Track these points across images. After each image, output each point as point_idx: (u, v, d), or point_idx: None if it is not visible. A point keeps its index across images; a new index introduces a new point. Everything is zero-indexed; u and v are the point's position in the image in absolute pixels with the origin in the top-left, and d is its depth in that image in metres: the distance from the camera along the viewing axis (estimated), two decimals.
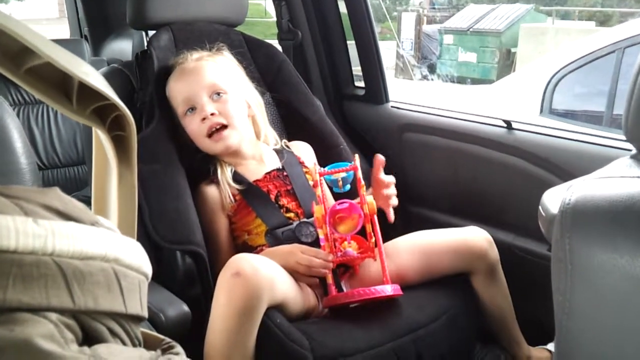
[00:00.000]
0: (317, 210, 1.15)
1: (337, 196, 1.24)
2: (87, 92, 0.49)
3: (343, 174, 1.21)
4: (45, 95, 0.48)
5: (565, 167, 1.27)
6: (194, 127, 1.28)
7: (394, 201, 1.25)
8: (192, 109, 1.28)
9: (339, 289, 1.17)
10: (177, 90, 1.30)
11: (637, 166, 0.60)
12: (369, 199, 1.17)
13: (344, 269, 1.23)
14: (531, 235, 1.34)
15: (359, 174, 1.19)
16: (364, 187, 1.18)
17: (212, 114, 1.26)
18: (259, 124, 1.38)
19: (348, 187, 1.21)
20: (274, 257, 1.13)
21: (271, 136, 1.41)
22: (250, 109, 1.35)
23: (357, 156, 1.23)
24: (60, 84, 0.49)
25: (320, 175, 1.21)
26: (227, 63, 1.35)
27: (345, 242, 1.18)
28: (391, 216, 1.24)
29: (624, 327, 0.55)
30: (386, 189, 1.24)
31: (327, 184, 1.25)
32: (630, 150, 0.64)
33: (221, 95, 1.29)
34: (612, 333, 0.56)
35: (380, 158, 1.26)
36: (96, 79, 0.48)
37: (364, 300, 1.11)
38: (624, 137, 0.63)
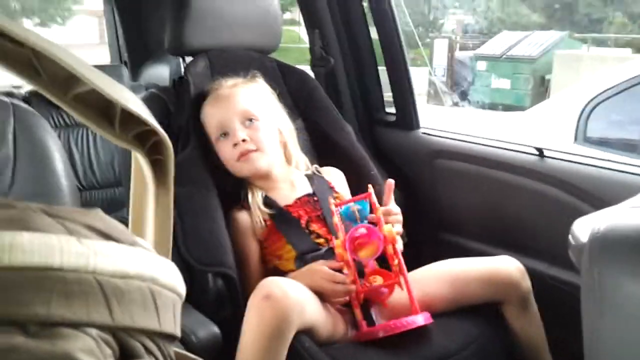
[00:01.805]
0: (337, 243, 1.16)
1: None
2: (128, 118, 0.51)
3: (357, 206, 1.22)
4: (90, 121, 0.50)
5: (598, 195, 1.25)
6: (226, 151, 1.31)
7: (398, 228, 1.25)
8: (225, 134, 1.31)
9: (369, 321, 1.17)
10: (211, 115, 1.33)
11: None
12: (387, 226, 1.18)
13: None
14: (564, 264, 1.31)
15: (373, 198, 1.20)
16: (380, 210, 1.19)
17: (243, 140, 1.29)
18: (290, 149, 1.40)
19: (365, 220, 1.22)
20: (299, 278, 1.14)
21: (302, 162, 1.42)
22: (281, 135, 1.37)
23: (370, 186, 1.24)
24: (104, 110, 0.51)
25: (336, 205, 1.22)
26: (260, 90, 1.38)
27: (371, 277, 1.17)
28: (400, 246, 1.23)
29: None
30: (391, 216, 1.24)
31: (346, 220, 1.24)
32: None
33: (253, 121, 1.32)
34: None
35: (389, 182, 1.27)
36: (137, 105, 0.50)
37: (395, 334, 1.10)
38: None
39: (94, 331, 0.35)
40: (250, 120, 1.31)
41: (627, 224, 0.58)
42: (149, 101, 1.36)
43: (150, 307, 0.41)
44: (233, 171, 1.33)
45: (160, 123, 0.54)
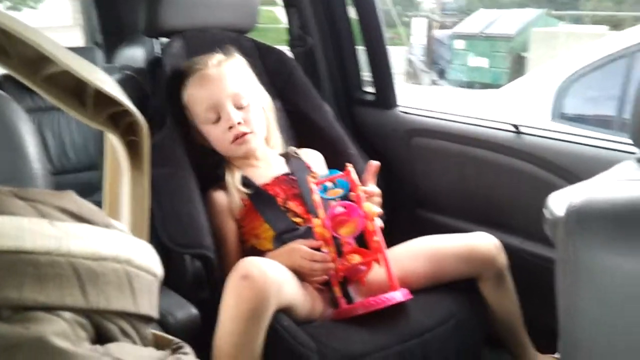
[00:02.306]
0: (316, 222, 1.16)
1: None
2: (102, 99, 0.50)
3: (338, 181, 1.22)
4: (62, 102, 0.49)
5: (573, 171, 1.27)
6: (218, 134, 1.30)
7: (377, 209, 1.25)
8: (217, 117, 1.29)
9: (348, 299, 1.18)
10: (200, 97, 1.30)
11: None
12: (367, 204, 1.19)
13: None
14: (540, 239, 1.34)
15: (353, 176, 1.20)
16: (359, 187, 1.20)
17: (238, 123, 1.28)
18: (270, 128, 1.39)
19: (343, 192, 1.22)
20: (278, 258, 1.14)
21: (277, 141, 1.42)
22: (265, 114, 1.37)
23: (348, 165, 1.24)
24: (76, 91, 0.50)
25: (316, 184, 1.22)
26: (242, 66, 1.37)
27: (349, 256, 1.18)
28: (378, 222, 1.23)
29: (627, 328, 0.55)
30: (372, 197, 1.25)
31: (324, 199, 1.24)
32: (635, 153, 0.65)
33: (244, 103, 1.31)
34: (615, 334, 0.56)
35: (373, 164, 1.27)
36: (111, 86, 0.50)
37: (374, 311, 1.11)
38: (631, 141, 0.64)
39: (67, 314, 0.35)
40: (241, 102, 1.31)
41: (603, 197, 0.59)
42: (123, 83, 1.34)
43: (126, 289, 0.41)
44: (224, 152, 1.32)
45: (136, 105, 0.54)
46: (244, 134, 1.29)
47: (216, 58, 1.34)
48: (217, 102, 1.29)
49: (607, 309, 0.57)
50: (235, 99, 1.30)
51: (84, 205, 0.41)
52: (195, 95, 1.31)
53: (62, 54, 0.45)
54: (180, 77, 1.35)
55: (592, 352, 0.59)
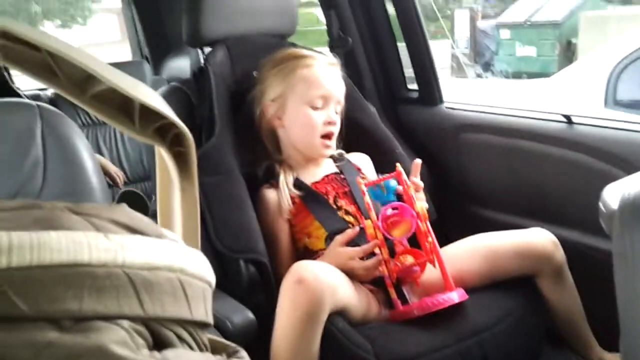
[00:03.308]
0: (368, 224, 1.16)
1: None
2: (147, 113, 0.52)
3: (388, 182, 1.21)
4: (110, 118, 0.51)
5: (630, 160, 1.22)
6: (313, 122, 1.32)
7: (423, 204, 1.25)
8: (322, 107, 1.32)
9: (403, 300, 1.17)
10: (320, 81, 1.32)
11: None
12: (420, 203, 1.17)
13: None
14: (598, 232, 1.28)
15: (404, 177, 1.19)
16: (411, 188, 1.18)
17: (336, 123, 1.34)
18: None
19: (392, 196, 1.21)
20: (327, 260, 1.15)
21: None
22: None
23: (398, 165, 1.24)
24: (123, 107, 0.52)
25: (367, 185, 1.21)
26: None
27: (402, 257, 1.17)
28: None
29: None
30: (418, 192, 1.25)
31: (375, 200, 1.24)
32: None
33: (339, 108, 1.36)
34: None
35: (417, 163, 1.28)
36: (155, 100, 0.51)
37: (431, 313, 1.10)
38: None
39: (125, 323, 0.36)
40: (339, 109, 1.36)
41: None
42: (170, 94, 1.38)
43: (181, 296, 0.42)
44: (305, 141, 1.34)
45: (182, 115, 0.55)
46: (333, 135, 1.33)
47: (335, 58, 1.40)
48: (331, 96, 1.33)
49: None
50: (339, 103, 1.36)
51: (137, 217, 0.42)
52: (315, 77, 1.32)
53: (108, 72, 0.47)
54: (225, 86, 1.37)
55: None
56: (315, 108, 1.31)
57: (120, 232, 0.40)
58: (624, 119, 1.36)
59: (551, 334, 1.25)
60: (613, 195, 0.63)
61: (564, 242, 1.22)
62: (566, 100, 2.61)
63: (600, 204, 0.67)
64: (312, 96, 1.31)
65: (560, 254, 1.21)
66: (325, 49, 1.73)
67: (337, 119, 1.34)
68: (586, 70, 2.94)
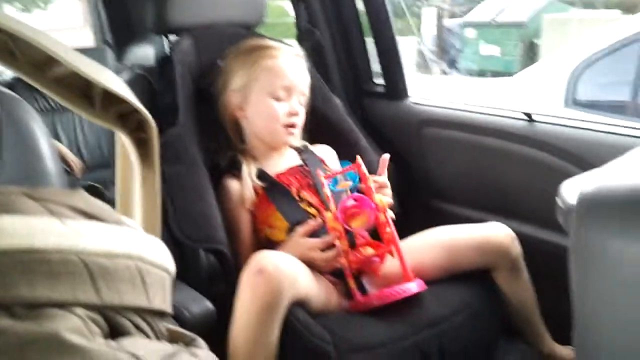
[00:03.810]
0: (328, 216, 1.16)
1: None
2: (109, 98, 0.51)
3: (348, 174, 1.22)
4: (70, 102, 0.50)
5: (586, 158, 1.26)
6: (277, 111, 1.31)
7: (387, 200, 1.26)
8: (284, 98, 1.32)
9: (362, 291, 1.18)
10: (284, 72, 1.32)
11: None
12: (378, 195, 1.19)
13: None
14: (554, 228, 1.32)
15: (363, 169, 1.20)
16: (370, 180, 1.19)
17: (298, 114, 1.34)
18: None
19: (355, 191, 1.22)
20: (287, 250, 1.15)
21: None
22: None
23: (358, 157, 1.25)
24: (84, 91, 0.51)
25: (326, 177, 1.22)
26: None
27: (362, 249, 1.18)
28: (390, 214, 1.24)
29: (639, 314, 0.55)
30: (382, 189, 1.26)
31: (335, 192, 1.25)
32: None
33: (303, 100, 1.36)
34: (629, 321, 0.56)
35: (384, 158, 1.29)
36: (118, 85, 0.50)
37: (390, 303, 1.12)
38: None
39: (80, 310, 0.36)
40: (303, 101, 1.36)
41: (614, 184, 0.58)
42: (132, 81, 1.35)
43: (139, 284, 0.41)
44: (268, 132, 1.33)
45: (145, 103, 0.54)
46: (295, 126, 1.33)
47: (300, 50, 1.41)
48: (295, 87, 1.33)
49: (620, 296, 0.56)
50: (303, 95, 1.36)
51: (94, 204, 0.41)
52: (279, 67, 1.32)
53: (69, 55, 0.46)
54: (190, 74, 1.35)
55: (607, 339, 0.59)
56: (278, 99, 1.31)
57: (77, 218, 0.39)
58: (582, 119, 1.39)
59: (506, 326, 1.28)
60: (571, 190, 0.64)
61: (521, 237, 1.25)
62: (528, 99, 2.66)
63: (558, 200, 0.69)
64: (275, 87, 1.31)
65: (516, 248, 1.24)
66: (293, 42, 1.72)
67: (301, 110, 1.34)
68: (547, 70, 3.01)
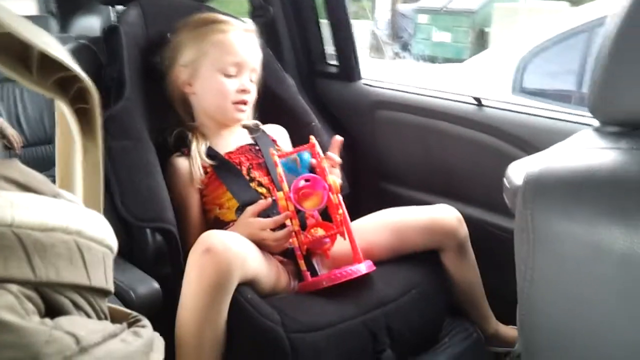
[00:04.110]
0: (280, 196, 1.15)
1: None
2: (48, 63, 0.48)
3: (301, 154, 1.21)
4: (5, 65, 0.47)
5: (533, 142, 1.29)
6: (228, 88, 1.28)
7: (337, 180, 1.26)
8: (235, 74, 1.29)
9: (312, 271, 1.18)
10: (234, 48, 1.29)
11: (599, 138, 0.61)
12: (331, 176, 1.18)
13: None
14: (500, 210, 1.36)
15: (317, 149, 1.20)
16: (324, 161, 1.19)
17: (249, 91, 1.31)
18: None
19: (305, 170, 1.21)
20: (237, 230, 1.14)
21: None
22: None
23: (312, 137, 1.24)
24: (21, 55, 0.47)
25: (280, 157, 1.20)
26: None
27: (312, 230, 1.18)
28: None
29: (584, 293, 0.57)
30: (332, 166, 1.26)
31: (287, 172, 1.24)
32: (591, 125, 0.66)
33: (254, 80, 1.33)
34: (571, 299, 0.58)
35: (337, 139, 1.29)
36: (57, 49, 0.47)
37: (339, 283, 1.12)
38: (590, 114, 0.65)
39: (14, 287, 0.34)
40: (255, 78, 1.34)
41: (559, 166, 0.60)
42: (76, 52, 1.29)
43: (78, 261, 0.39)
44: (218, 109, 1.30)
45: (90, 75, 0.51)
46: (246, 103, 1.31)
47: (252, 25, 1.37)
48: (245, 63, 1.30)
49: (564, 275, 0.58)
50: (254, 72, 1.33)
51: (30, 175, 0.39)
52: (229, 43, 1.29)
53: (4, 15, 0.43)
54: (137, 46, 1.31)
55: (550, 316, 0.60)
56: (228, 75, 1.29)
57: (11, 188, 0.37)
58: (528, 105, 1.43)
59: (452, 306, 1.31)
60: (517, 172, 0.66)
61: (468, 219, 1.27)
62: (477, 85, 2.71)
63: (505, 181, 0.70)
64: (226, 63, 1.28)
65: (464, 230, 1.26)
66: (246, 18, 1.69)
67: (252, 88, 1.32)
68: (496, 58, 3.07)
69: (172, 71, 1.31)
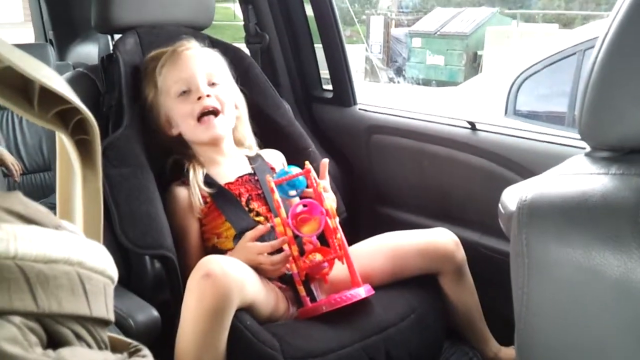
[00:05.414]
0: (277, 222, 1.16)
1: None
2: (48, 96, 0.48)
3: (297, 179, 1.22)
4: (7, 99, 0.47)
5: (527, 166, 1.30)
6: (186, 109, 1.27)
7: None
8: (186, 91, 1.28)
9: (312, 298, 1.18)
10: (173, 72, 1.28)
11: (590, 163, 0.62)
12: (328, 201, 1.19)
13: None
14: (496, 233, 1.36)
15: (313, 174, 1.20)
16: (320, 185, 1.20)
17: (207, 95, 1.27)
18: (243, 128, 1.38)
19: (296, 192, 1.22)
20: (236, 256, 1.14)
21: (252, 141, 1.41)
22: (237, 110, 1.36)
23: (307, 163, 1.24)
24: (22, 88, 0.48)
25: (276, 183, 1.21)
26: (219, 57, 1.38)
27: (311, 255, 1.18)
28: None
29: (579, 317, 0.57)
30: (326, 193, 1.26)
31: (284, 198, 1.24)
32: (584, 148, 0.67)
33: (216, 82, 1.31)
34: (569, 324, 0.58)
35: (324, 162, 1.30)
36: (57, 83, 0.48)
37: (338, 308, 1.12)
38: None
39: (17, 319, 0.34)
40: (213, 83, 1.31)
41: (553, 192, 0.60)
42: (75, 80, 1.31)
43: (79, 291, 0.40)
44: (188, 133, 1.30)
45: (89, 103, 0.52)
46: (212, 110, 1.27)
47: (193, 41, 1.35)
48: (189, 75, 1.28)
49: (559, 299, 0.59)
50: (208, 76, 1.30)
51: (32, 206, 0.39)
52: (168, 72, 1.29)
53: (4, 48, 0.44)
54: (136, 74, 1.32)
55: (547, 341, 0.61)
56: (182, 94, 1.28)
57: (14, 221, 0.37)
58: (522, 128, 1.44)
59: (451, 330, 1.31)
60: (511, 197, 0.66)
61: (465, 243, 1.28)
62: (470, 108, 2.73)
63: (500, 206, 0.71)
64: (172, 82, 1.28)
65: (461, 254, 1.27)
66: (242, 45, 1.71)
67: (215, 91, 1.29)
68: (489, 81, 3.11)
69: (151, 113, 1.32)
